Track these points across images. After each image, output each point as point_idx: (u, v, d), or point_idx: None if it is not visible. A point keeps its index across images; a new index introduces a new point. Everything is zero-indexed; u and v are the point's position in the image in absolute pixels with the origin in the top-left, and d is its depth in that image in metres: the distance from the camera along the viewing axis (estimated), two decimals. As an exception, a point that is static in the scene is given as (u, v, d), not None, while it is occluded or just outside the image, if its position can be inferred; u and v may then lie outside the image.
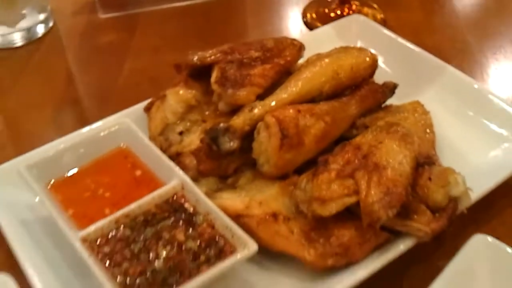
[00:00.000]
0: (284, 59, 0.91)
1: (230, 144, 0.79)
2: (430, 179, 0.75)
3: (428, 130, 0.88)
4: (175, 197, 0.77)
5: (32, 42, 1.26)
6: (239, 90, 0.84)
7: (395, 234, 0.74)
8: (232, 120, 0.81)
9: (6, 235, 0.77)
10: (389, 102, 0.93)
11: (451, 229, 0.76)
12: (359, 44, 1.06)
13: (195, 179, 0.80)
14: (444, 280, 0.69)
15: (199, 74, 0.91)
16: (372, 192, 0.70)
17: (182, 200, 0.77)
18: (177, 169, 0.79)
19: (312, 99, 0.85)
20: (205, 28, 1.29)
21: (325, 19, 1.24)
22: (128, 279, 0.68)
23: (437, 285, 0.68)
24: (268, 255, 0.74)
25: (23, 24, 1.25)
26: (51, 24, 1.30)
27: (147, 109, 0.91)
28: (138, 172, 0.82)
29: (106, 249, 0.71)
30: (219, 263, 0.69)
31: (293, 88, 0.84)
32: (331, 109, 0.83)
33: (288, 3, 1.38)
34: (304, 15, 1.30)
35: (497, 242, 0.71)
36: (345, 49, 0.92)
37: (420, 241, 0.73)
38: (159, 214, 0.75)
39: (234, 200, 0.77)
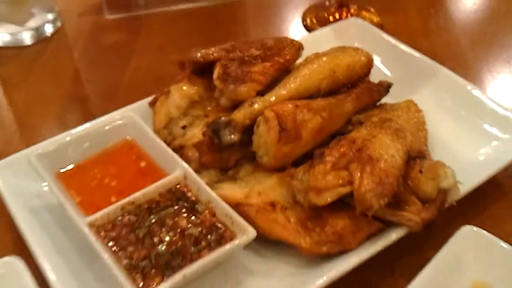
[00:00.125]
0: (283, 58, 0.94)
1: (231, 137, 0.83)
2: (421, 171, 0.78)
3: (420, 128, 0.92)
4: (178, 187, 0.81)
5: (40, 41, 1.30)
6: (240, 86, 0.87)
7: (387, 224, 0.77)
8: (233, 114, 0.85)
9: (16, 221, 0.81)
10: (384, 101, 0.97)
11: (440, 220, 0.79)
12: (356, 46, 1.10)
13: (197, 171, 0.84)
14: (433, 267, 0.72)
15: (202, 71, 0.94)
16: (365, 182, 0.73)
17: (185, 189, 0.81)
18: (180, 160, 0.83)
19: (310, 95, 0.88)
20: (208, 30, 1.34)
21: (324, 23, 1.28)
22: (133, 262, 0.71)
23: (427, 272, 0.71)
24: (265, 243, 0.78)
25: (32, 23, 1.29)
26: (59, 24, 1.35)
27: (152, 104, 0.95)
28: (143, 163, 0.86)
29: (112, 234, 0.75)
30: (219, 248, 0.72)
31: (291, 85, 0.88)
32: (328, 105, 0.86)
33: (288, 7, 1.42)
34: (304, 19, 1.34)
35: (484, 232, 0.75)
36: (342, 49, 0.96)
37: (411, 230, 0.77)
38: (163, 202, 0.79)
39: (234, 190, 0.80)
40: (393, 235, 0.77)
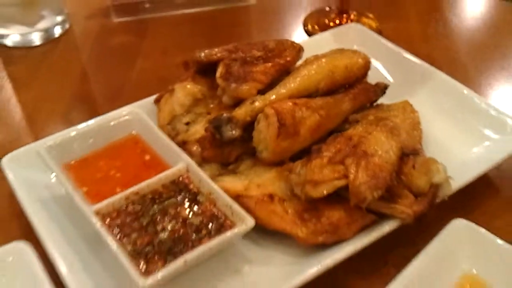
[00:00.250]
0: (284, 59, 0.98)
1: (232, 132, 0.86)
2: (414, 167, 0.81)
3: (415, 127, 0.95)
4: (180, 178, 0.84)
5: (49, 42, 1.34)
6: (242, 85, 0.91)
7: (380, 217, 0.80)
8: (235, 111, 0.88)
9: (25, 211, 0.84)
10: (380, 102, 1.00)
11: (433, 215, 0.82)
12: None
13: (199, 165, 0.86)
14: (424, 258, 0.75)
15: (205, 71, 0.98)
16: (360, 175, 0.76)
17: (187, 181, 0.84)
18: (183, 153, 0.86)
19: (309, 95, 0.91)
20: (211, 34, 1.38)
21: (325, 28, 1.31)
22: (136, 247, 0.74)
23: (417, 262, 0.74)
24: (264, 233, 0.81)
25: (41, 25, 1.33)
26: (67, 26, 1.39)
27: (157, 101, 0.98)
28: (147, 157, 0.89)
29: (117, 221, 0.78)
30: (219, 236, 0.75)
31: (291, 84, 0.91)
32: (326, 104, 0.90)
33: (290, 13, 1.46)
34: (305, 24, 1.38)
35: (474, 225, 0.77)
36: (340, 51, 0.99)
37: (403, 223, 0.80)
38: (166, 193, 0.82)
39: (234, 182, 0.84)
40: (386, 227, 0.80)
